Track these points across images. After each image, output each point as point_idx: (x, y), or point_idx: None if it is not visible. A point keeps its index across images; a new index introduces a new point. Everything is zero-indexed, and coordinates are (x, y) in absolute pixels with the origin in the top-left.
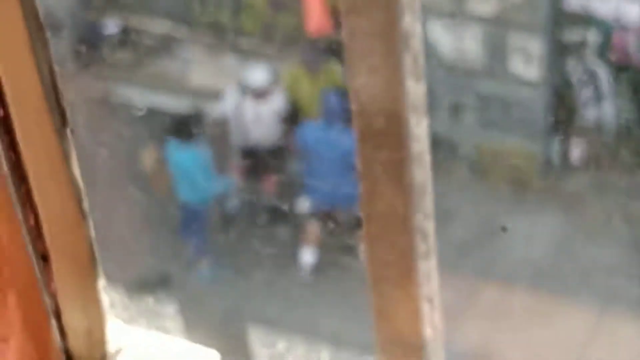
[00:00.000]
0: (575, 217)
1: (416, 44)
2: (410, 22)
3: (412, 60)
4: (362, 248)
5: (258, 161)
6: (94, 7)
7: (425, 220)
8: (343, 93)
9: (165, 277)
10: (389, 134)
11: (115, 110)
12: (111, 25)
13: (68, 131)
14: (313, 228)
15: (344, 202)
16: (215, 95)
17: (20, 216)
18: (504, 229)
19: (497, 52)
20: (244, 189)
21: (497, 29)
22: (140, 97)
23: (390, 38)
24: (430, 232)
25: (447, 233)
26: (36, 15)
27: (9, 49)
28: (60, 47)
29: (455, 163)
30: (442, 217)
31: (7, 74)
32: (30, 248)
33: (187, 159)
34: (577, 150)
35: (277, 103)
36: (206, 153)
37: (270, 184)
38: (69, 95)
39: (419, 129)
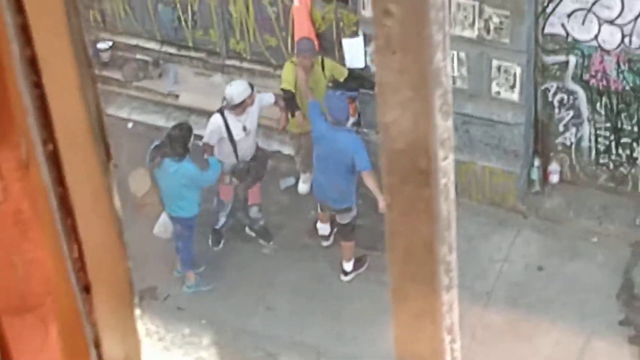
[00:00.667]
0: (553, 237)
1: (446, 81)
2: (441, 60)
3: (442, 97)
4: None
5: (243, 176)
6: (86, 26)
7: (450, 253)
8: (341, 91)
9: (152, 289)
10: (417, 167)
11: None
12: (102, 45)
13: (111, 165)
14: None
15: (337, 198)
16: (203, 113)
17: (65, 248)
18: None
19: (479, 74)
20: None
21: (479, 51)
22: (129, 115)
23: (422, 75)
24: (453, 265)
25: None
26: (86, 54)
27: (60, 86)
28: None
29: None
30: None
31: (57, 110)
32: (73, 279)
33: (177, 175)
34: (556, 171)
35: (254, 115)
36: (194, 168)
37: (255, 195)
38: None
39: (446, 164)
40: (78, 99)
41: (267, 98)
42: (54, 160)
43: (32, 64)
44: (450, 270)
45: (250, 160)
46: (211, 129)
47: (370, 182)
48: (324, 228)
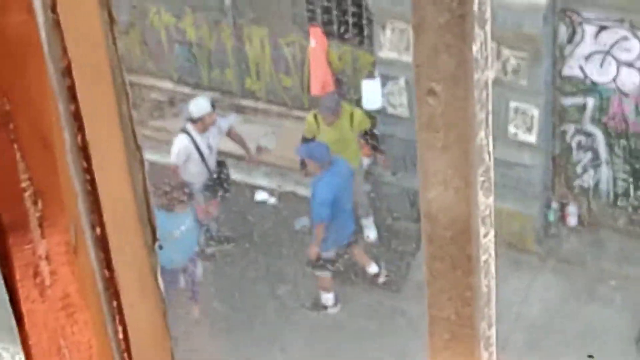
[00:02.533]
0: (571, 280)
1: (488, 158)
2: (484, 138)
3: (484, 175)
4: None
5: (216, 192)
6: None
7: (489, 329)
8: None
9: None
10: (458, 244)
11: None
12: None
13: (156, 247)
14: (324, 276)
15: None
16: (218, 153)
17: (110, 331)
18: (590, 357)
19: (496, 115)
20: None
21: (497, 92)
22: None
23: (464, 153)
24: (493, 340)
25: None
26: (135, 139)
27: (108, 172)
28: None
29: None
30: None
31: (105, 195)
32: None
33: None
34: (573, 214)
35: (216, 136)
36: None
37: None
38: None
39: (487, 240)
40: (126, 184)
41: (223, 123)
42: (102, 244)
43: (83, 150)
44: (490, 345)
45: (216, 176)
46: (178, 149)
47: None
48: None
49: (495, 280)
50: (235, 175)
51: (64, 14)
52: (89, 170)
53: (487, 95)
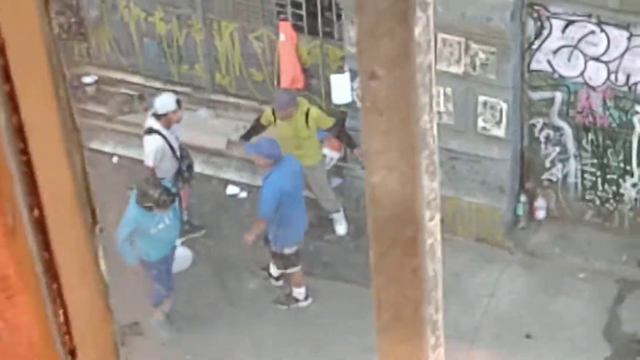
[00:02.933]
0: (540, 273)
1: (432, 142)
2: (428, 121)
3: (429, 158)
4: None
5: (189, 179)
6: (71, 60)
7: (436, 313)
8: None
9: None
10: (404, 234)
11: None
12: (87, 79)
13: (97, 229)
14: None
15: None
16: (188, 147)
17: (50, 313)
18: (528, 336)
19: (465, 109)
20: None
21: (466, 87)
22: (113, 149)
23: (408, 137)
24: (440, 324)
25: None
26: (73, 120)
27: (46, 153)
28: None
29: None
30: None
31: (43, 177)
32: (59, 344)
33: (150, 217)
34: (542, 207)
35: (180, 126)
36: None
37: (185, 198)
38: None
39: (433, 224)
40: (64, 165)
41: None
42: (40, 226)
43: (19, 131)
44: (437, 329)
45: (185, 167)
46: (155, 149)
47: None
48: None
49: (441, 264)
50: (206, 169)
51: None
52: (25, 151)
53: (431, 78)
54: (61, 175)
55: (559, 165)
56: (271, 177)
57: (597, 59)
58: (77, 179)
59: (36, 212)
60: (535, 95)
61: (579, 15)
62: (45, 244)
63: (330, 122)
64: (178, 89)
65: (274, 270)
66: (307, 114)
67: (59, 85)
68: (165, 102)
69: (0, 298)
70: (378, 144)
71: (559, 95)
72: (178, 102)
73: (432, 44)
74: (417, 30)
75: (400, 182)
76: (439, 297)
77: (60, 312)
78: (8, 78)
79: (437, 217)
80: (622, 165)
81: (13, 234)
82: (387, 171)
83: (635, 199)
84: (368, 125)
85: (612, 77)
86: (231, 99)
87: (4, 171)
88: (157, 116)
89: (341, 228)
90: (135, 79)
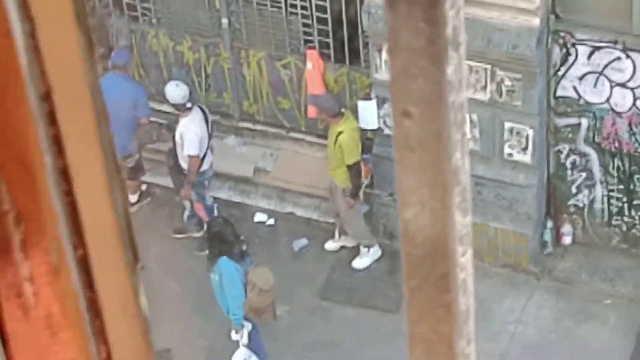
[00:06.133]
0: (566, 299)
1: (465, 179)
2: (460, 158)
3: (461, 195)
4: None
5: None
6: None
7: (468, 346)
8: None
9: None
10: (436, 265)
11: None
12: None
13: (138, 267)
14: None
15: None
16: (217, 175)
17: (93, 349)
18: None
19: (491, 135)
20: None
21: (492, 113)
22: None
23: (440, 174)
24: (472, 357)
25: None
26: (115, 160)
27: (90, 193)
28: None
29: None
30: None
31: (87, 216)
32: None
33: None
34: (568, 233)
35: (197, 117)
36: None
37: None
38: None
39: (464, 259)
40: (107, 205)
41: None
42: (84, 265)
43: (64, 173)
44: None
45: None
46: (200, 137)
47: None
48: None
49: (473, 297)
50: (234, 197)
51: (43, 39)
52: (69, 192)
53: (463, 116)
54: (104, 215)
55: (585, 191)
56: None
57: (623, 85)
58: (120, 218)
59: (80, 252)
60: (561, 122)
61: (605, 42)
62: (88, 282)
63: (350, 159)
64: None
65: None
66: (337, 136)
67: (102, 127)
68: (176, 92)
69: (44, 335)
70: (410, 181)
71: (585, 122)
72: (192, 100)
73: (464, 82)
74: (450, 70)
75: (432, 218)
76: (471, 329)
77: (103, 348)
78: (54, 122)
79: (469, 251)
80: None
81: (57, 272)
82: (419, 207)
83: None
84: (401, 162)
85: (638, 102)
86: (259, 127)
87: (49, 212)
88: (178, 108)
89: (360, 262)
90: (164, 107)
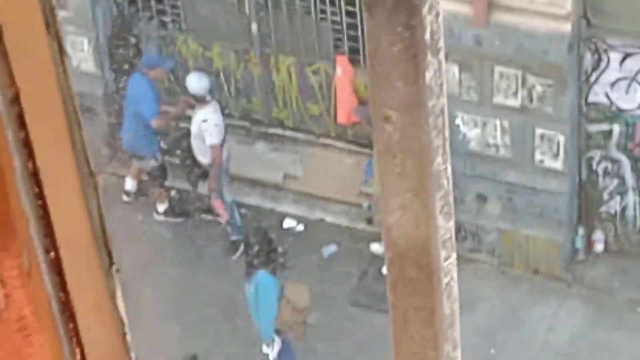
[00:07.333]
0: (598, 307)
1: (447, 183)
2: (441, 163)
3: (443, 200)
4: None
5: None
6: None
7: (453, 350)
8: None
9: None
10: (419, 268)
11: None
12: None
13: (114, 270)
14: None
15: None
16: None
17: (67, 353)
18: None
19: (523, 142)
20: None
21: (523, 120)
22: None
23: (422, 179)
24: None
25: (472, 321)
26: (88, 164)
27: (61, 196)
28: (94, 130)
29: (480, 252)
30: (467, 305)
31: (59, 220)
32: None
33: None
34: (600, 240)
35: (218, 109)
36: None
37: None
38: (104, 179)
39: (448, 264)
40: (80, 208)
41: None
42: (56, 267)
43: (34, 176)
44: None
45: None
46: (220, 124)
47: None
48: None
49: (458, 302)
50: (263, 203)
51: (11, 44)
52: (40, 195)
53: (444, 121)
54: (77, 218)
55: (617, 198)
56: None
57: None
58: (93, 222)
59: (52, 254)
60: (593, 128)
61: (637, 48)
62: (61, 285)
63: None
64: (235, 122)
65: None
66: None
67: (74, 131)
68: (196, 82)
69: (17, 338)
70: (392, 186)
71: (616, 128)
72: (211, 94)
73: (445, 87)
74: (429, 75)
75: (415, 223)
76: (457, 334)
77: (77, 351)
78: (23, 125)
79: (453, 256)
80: None
81: (29, 275)
82: (402, 212)
83: None
84: (382, 168)
85: None
86: (288, 133)
87: (19, 214)
88: (198, 100)
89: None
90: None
